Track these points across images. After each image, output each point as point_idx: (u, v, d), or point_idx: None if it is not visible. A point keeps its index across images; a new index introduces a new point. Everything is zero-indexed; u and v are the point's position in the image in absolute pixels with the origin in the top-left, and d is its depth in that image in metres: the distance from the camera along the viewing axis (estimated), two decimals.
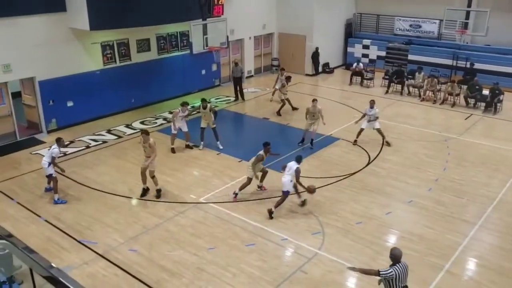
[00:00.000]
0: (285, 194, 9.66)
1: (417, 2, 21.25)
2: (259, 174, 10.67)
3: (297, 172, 9.53)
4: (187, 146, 13.21)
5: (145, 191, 10.59)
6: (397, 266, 6.16)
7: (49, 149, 10.47)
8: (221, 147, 13.13)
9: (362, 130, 13.36)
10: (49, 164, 10.13)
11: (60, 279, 3.10)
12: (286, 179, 9.61)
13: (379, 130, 13.28)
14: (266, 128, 15.28)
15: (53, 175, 10.24)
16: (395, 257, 6.22)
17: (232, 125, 16.19)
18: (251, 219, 9.55)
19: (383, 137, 13.36)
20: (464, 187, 10.99)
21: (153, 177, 10.45)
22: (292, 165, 9.66)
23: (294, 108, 16.32)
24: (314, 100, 13.17)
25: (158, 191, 10.51)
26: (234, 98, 17.89)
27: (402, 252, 6.30)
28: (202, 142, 13.18)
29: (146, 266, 8.09)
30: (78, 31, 14.01)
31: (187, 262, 8.20)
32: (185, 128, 13.02)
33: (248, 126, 15.76)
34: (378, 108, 13.54)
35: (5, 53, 12.82)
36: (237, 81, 17.71)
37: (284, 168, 9.84)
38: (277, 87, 16.66)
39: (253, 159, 10.31)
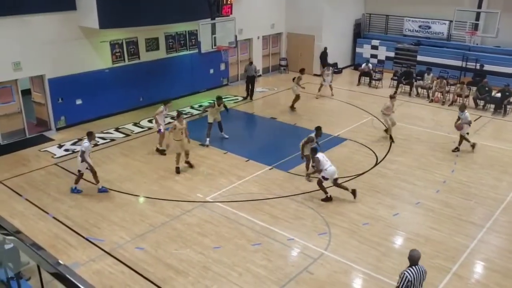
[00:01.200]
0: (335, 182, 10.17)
1: (427, 3, 21.11)
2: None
3: None
4: (158, 150, 12.72)
5: (179, 169, 11.57)
6: (411, 269, 5.89)
7: (79, 144, 10.51)
8: (226, 136, 13.60)
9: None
10: (82, 159, 10.14)
11: (67, 276, 3.13)
12: (333, 168, 10.09)
13: (463, 136, 12.87)
14: (273, 127, 15.28)
15: (81, 171, 10.37)
16: (412, 258, 5.95)
17: (240, 124, 16.20)
18: (258, 219, 9.56)
19: (460, 142, 12.97)
20: (472, 189, 10.91)
21: (187, 154, 11.73)
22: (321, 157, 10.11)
23: (292, 107, 16.37)
24: (392, 97, 13.68)
25: (189, 162, 11.79)
26: (243, 97, 17.91)
27: (420, 254, 6.05)
28: (208, 139, 13.28)
29: (152, 264, 8.13)
30: (88, 29, 14.11)
31: (193, 261, 8.23)
32: (160, 126, 12.81)
33: (256, 126, 15.78)
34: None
35: (16, 51, 12.95)
36: (250, 80, 17.78)
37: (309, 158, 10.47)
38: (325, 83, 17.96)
39: (305, 139, 11.17)
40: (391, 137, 13.55)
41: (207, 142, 13.26)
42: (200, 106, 14.07)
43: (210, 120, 13.29)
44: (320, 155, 10.14)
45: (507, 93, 16.09)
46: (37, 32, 13.29)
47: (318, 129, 11.37)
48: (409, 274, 5.84)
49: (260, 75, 21.36)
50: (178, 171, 11.57)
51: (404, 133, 14.39)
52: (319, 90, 18.22)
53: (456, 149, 12.90)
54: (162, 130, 12.74)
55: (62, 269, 3.25)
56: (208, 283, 7.66)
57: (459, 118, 12.88)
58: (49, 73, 13.86)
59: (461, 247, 8.64)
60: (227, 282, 7.70)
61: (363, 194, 10.62)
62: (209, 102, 14.13)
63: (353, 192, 10.25)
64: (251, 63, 18.16)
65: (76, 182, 10.56)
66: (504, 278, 7.82)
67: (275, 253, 8.47)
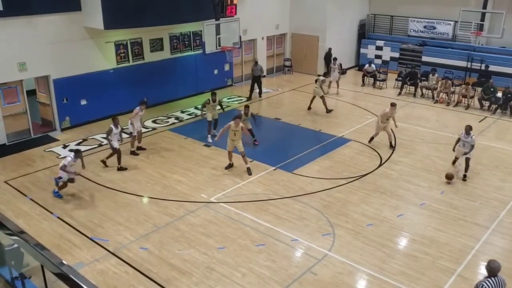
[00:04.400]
0: None
1: (432, 3, 21.04)
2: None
3: None
4: (133, 153, 12.67)
5: (230, 166, 11.82)
6: (490, 280, 5.72)
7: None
8: (216, 133, 13.18)
9: (456, 159, 11.72)
10: (62, 170, 10.17)
11: (71, 276, 3.13)
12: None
13: (467, 161, 11.34)
14: (277, 128, 15.27)
15: (62, 178, 10.35)
16: (491, 270, 5.77)
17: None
18: (262, 219, 9.55)
19: (467, 167, 11.40)
20: (477, 190, 10.85)
21: (244, 155, 11.58)
22: None
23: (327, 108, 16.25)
24: (392, 105, 13.08)
25: (249, 169, 11.64)
26: (246, 98, 17.89)
27: (500, 266, 5.86)
28: (209, 135, 13.39)
29: (156, 264, 8.14)
30: (92, 30, 14.16)
31: (197, 261, 8.23)
32: (140, 129, 12.83)
33: (260, 126, 15.71)
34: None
35: (21, 52, 13.01)
36: (256, 80, 17.78)
37: None
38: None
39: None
40: (391, 145, 13.19)
41: (210, 140, 13.40)
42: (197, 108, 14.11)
43: (209, 118, 13.56)
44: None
45: (509, 95, 15.97)
46: (42, 33, 13.35)
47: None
48: (488, 286, 5.69)
49: (264, 76, 21.34)
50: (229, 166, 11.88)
51: (409, 134, 14.33)
52: (328, 87, 18.33)
53: (464, 177, 11.35)
54: (134, 133, 12.65)
55: (65, 270, 3.25)
56: (212, 284, 7.66)
57: (458, 140, 11.44)
58: (54, 73, 13.92)
59: (465, 249, 8.60)
60: (230, 282, 7.70)
61: (367, 195, 10.59)
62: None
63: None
64: (256, 63, 18.17)
65: (60, 187, 10.45)
66: (510, 279, 7.75)
67: (279, 254, 8.46)
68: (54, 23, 13.59)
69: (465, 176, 11.33)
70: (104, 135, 14.05)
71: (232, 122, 11.41)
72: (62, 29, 13.78)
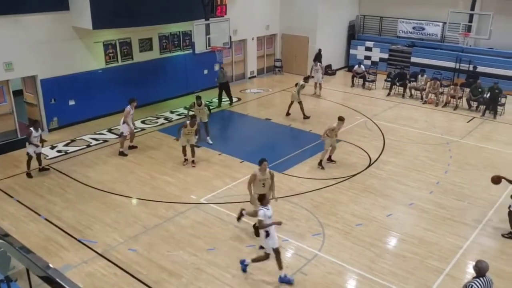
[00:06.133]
0: None
1: (421, 4, 21.21)
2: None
3: None
4: (121, 153, 12.60)
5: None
6: (478, 280, 5.77)
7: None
8: (210, 142, 13.45)
9: None
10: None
11: (57, 279, 3.08)
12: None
13: None
14: (268, 129, 15.26)
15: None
16: (479, 270, 5.83)
17: (234, 125, 16.18)
18: (252, 220, 9.51)
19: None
20: (465, 190, 10.95)
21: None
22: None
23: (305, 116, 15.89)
24: (340, 119, 12.00)
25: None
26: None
27: (488, 266, 5.91)
28: (197, 136, 13.28)
29: (145, 266, 8.08)
30: (81, 29, 14.02)
31: (187, 263, 8.18)
32: (133, 128, 12.86)
33: (250, 127, 15.74)
34: (379, 110, 13.13)
35: (7, 51, 12.83)
36: (223, 86, 16.96)
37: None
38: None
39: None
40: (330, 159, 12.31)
41: (209, 141, 13.44)
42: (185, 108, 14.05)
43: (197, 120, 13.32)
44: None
45: (497, 90, 16.15)
46: (29, 32, 13.18)
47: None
48: (477, 286, 5.73)
49: (254, 76, 21.35)
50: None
51: (398, 134, 14.43)
52: (315, 87, 18.34)
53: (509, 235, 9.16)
54: (125, 134, 12.64)
55: (52, 273, 3.20)
56: (201, 285, 7.62)
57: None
58: (41, 73, 13.75)
59: (454, 248, 8.67)
60: (220, 284, 7.66)
61: (356, 195, 10.63)
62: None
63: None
64: (222, 68, 17.41)
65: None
66: (497, 278, 7.82)
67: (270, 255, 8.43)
68: (42, 23, 13.43)
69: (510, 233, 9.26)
70: (93, 136, 13.98)
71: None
72: (49, 29, 13.63)
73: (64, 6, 13.72)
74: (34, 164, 11.45)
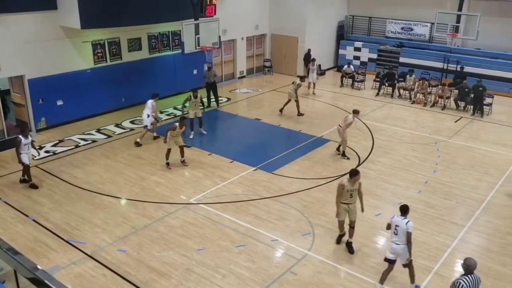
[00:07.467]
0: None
1: (409, 5, 21.39)
2: None
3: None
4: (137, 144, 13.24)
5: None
6: (466, 277, 5.82)
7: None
8: (204, 132, 14.02)
9: None
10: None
11: (45, 281, 3.04)
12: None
13: None
14: (258, 129, 15.27)
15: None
16: (468, 267, 5.88)
17: (224, 125, 16.15)
18: (242, 220, 9.52)
19: None
20: (454, 189, 11.06)
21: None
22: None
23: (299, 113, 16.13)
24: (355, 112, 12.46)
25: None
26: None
27: (476, 264, 5.96)
28: (192, 132, 13.68)
29: (134, 267, 8.03)
30: (69, 29, 13.89)
31: (176, 263, 8.15)
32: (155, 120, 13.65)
33: (240, 127, 15.73)
34: (368, 110, 13.23)
35: None
36: (211, 87, 16.83)
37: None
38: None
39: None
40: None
41: (191, 136, 13.69)
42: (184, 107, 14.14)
43: (191, 115, 13.69)
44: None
45: (480, 88, 16.35)
46: (16, 32, 13.02)
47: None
48: (465, 283, 5.78)
49: (244, 76, 21.34)
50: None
51: (387, 134, 14.53)
52: (308, 88, 18.41)
53: None
54: (149, 127, 13.38)
55: (40, 274, 3.16)
56: (191, 285, 7.59)
57: None
58: (29, 73, 13.59)
59: (442, 247, 8.75)
60: (210, 284, 7.65)
61: None
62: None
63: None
64: (209, 68, 17.20)
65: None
66: (485, 277, 7.92)
67: (259, 254, 8.45)
68: (29, 22, 13.27)
69: None
70: (81, 136, 13.88)
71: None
72: (37, 28, 13.47)
73: (51, 5, 13.58)
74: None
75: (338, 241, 8.78)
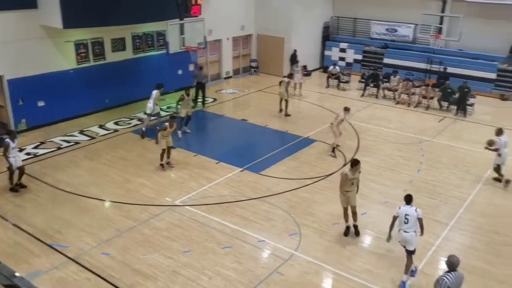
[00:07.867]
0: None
1: (393, 6, 21.59)
2: None
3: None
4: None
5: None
6: (449, 274, 5.88)
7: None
8: (188, 131, 14.14)
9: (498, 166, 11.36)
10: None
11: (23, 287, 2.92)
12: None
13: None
14: (244, 129, 15.22)
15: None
16: (451, 264, 5.95)
17: (210, 126, 16.06)
18: (228, 221, 9.45)
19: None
20: (437, 188, 11.17)
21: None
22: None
23: (286, 114, 16.17)
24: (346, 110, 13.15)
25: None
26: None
27: (459, 261, 6.00)
28: (179, 131, 13.77)
29: (119, 270, 7.90)
30: (51, 29, 13.64)
31: (162, 266, 8.04)
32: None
33: (226, 128, 15.66)
34: (353, 111, 13.33)
35: None
36: (200, 87, 16.82)
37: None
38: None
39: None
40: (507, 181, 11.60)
41: (180, 135, 13.69)
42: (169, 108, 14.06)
43: (183, 114, 13.89)
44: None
45: (466, 89, 16.60)
46: None
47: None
48: (448, 280, 5.82)
49: (230, 77, 21.27)
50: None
51: (372, 134, 14.62)
52: (294, 88, 18.41)
53: (507, 182, 11.17)
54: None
55: (17, 281, 3.03)
56: None
57: (492, 142, 11.19)
58: (8, 73, 13.30)
59: (426, 245, 8.81)
60: (197, 286, 7.56)
61: (332, 195, 10.65)
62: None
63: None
64: (201, 68, 17.15)
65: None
66: (468, 274, 7.99)
67: (246, 255, 8.40)
68: (7, 21, 12.99)
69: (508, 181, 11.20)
70: (64, 138, 13.64)
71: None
72: (16, 27, 13.20)
73: (31, 4, 13.32)
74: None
75: (346, 233, 9.12)
